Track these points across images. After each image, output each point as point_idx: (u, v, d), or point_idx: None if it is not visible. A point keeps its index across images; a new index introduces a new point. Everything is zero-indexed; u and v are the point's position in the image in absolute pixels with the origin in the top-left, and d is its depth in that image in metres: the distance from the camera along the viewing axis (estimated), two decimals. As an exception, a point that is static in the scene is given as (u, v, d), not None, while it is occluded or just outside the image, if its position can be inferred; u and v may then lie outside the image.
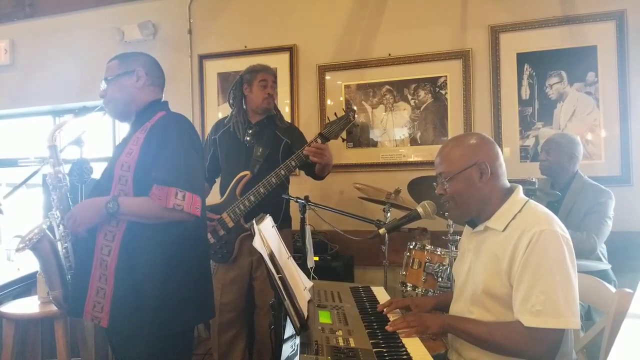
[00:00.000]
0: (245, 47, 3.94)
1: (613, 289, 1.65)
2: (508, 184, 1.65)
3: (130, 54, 1.99)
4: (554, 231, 1.45)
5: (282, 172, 2.64)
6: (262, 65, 2.87)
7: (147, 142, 1.78)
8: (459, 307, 1.69)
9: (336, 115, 2.72)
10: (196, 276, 1.88)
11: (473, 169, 1.59)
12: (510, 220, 1.56)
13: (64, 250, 1.87)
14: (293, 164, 2.64)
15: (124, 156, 1.80)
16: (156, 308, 1.75)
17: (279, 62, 3.85)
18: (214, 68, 4.04)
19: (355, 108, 2.86)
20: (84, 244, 1.84)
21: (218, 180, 2.96)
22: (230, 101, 2.91)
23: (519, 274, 1.46)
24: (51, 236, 1.88)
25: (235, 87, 2.89)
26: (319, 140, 2.63)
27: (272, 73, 2.86)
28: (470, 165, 1.59)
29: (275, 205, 2.72)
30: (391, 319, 1.68)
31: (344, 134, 2.70)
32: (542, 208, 1.57)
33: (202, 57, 4.06)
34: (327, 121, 2.72)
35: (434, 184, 1.70)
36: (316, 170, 2.73)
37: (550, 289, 1.40)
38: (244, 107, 2.87)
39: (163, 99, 2.01)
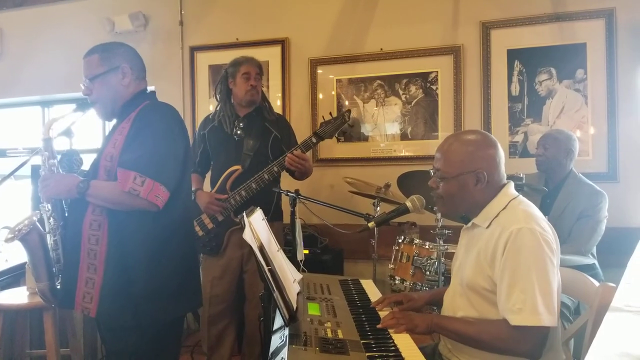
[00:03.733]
0: (237, 39, 3.92)
1: (596, 283, 1.68)
2: (504, 181, 1.64)
3: (109, 46, 1.91)
4: (531, 229, 1.46)
5: (275, 169, 2.65)
6: (245, 57, 2.84)
7: (129, 132, 1.77)
8: (448, 300, 1.73)
9: (331, 115, 2.74)
10: (183, 266, 1.88)
11: (470, 175, 1.58)
12: (494, 218, 1.57)
13: (52, 243, 1.86)
14: (275, 169, 2.65)
15: (110, 147, 1.80)
16: (143, 298, 1.75)
17: (271, 55, 3.85)
18: (205, 60, 4.03)
19: (350, 109, 2.88)
20: (71, 235, 1.84)
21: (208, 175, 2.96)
22: (217, 96, 2.90)
23: (500, 273, 1.48)
24: (41, 228, 1.87)
25: (221, 82, 2.87)
26: (305, 148, 2.66)
27: (255, 64, 2.82)
28: (468, 171, 1.58)
29: (266, 199, 2.73)
30: (381, 314, 1.70)
31: (339, 135, 2.73)
32: (525, 205, 1.58)
33: (194, 49, 4.04)
34: (322, 120, 2.73)
35: (430, 171, 1.71)
36: (295, 176, 2.78)
37: (529, 288, 1.41)
38: (232, 101, 2.86)
39: (154, 89, 1.99)
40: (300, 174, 2.74)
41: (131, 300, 1.75)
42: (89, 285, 1.77)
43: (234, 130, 2.80)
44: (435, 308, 1.91)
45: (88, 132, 4.37)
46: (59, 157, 1.89)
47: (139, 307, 1.75)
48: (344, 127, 2.71)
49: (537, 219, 1.51)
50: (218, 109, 2.88)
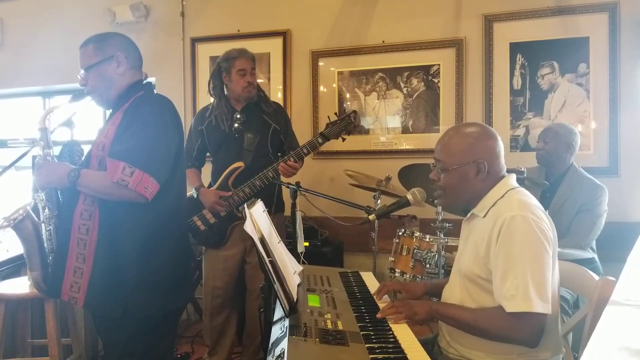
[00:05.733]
0: (238, 31, 3.90)
1: (596, 277, 1.68)
2: (504, 174, 1.65)
3: (103, 36, 1.90)
4: (525, 216, 1.47)
5: (271, 174, 2.66)
6: (238, 51, 2.79)
7: (122, 122, 1.77)
8: (447, 291, 1.74)
9: (337, 116, 2.73)
10: (174, 260, 1.87)
11: (470, 165, 1.59)
12: (491, 207, 1.58)
13: (47, 233, 1.86)
14: (270, 174, 2.66)
15: (102, 137, 1.80)
16: (133, 290, 1.75)
17: (272, 47, 3.83)
18: (206, 51, 4.01)
19: (356, 110, 2.88)
20: (61, 225, 1.84)
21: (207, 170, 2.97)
22: (211, 91, 2.86)
23: (494, 261, 1.49)
24: (34, 217, 1.88)
25: (214, 76, 2.83)
26: (311, 148, 2.69)
27: (249, 58, 2.78)
28: (469, 162, 1.59)
29: (268, 191, 2.74)
30: (380, 305, 1.70)
31: (344, 135, 2.72)
32: (522, 195, 1.58)
33: (195, 40, 4.02)
34: (328, 120, 2.73)
35: (431, 165, 1.71)
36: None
37: (522, 274, 1.42)
38: (226, 94, 2.84)
39: (150, 81, 1.98)
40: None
41: (121, 292, 1.75)
42: (77, 275, 1.78)
43: (233, 125, 2.78)
44: (434, 299, 1.92)
45: (90, 123, 4.36)
46: (54, 147, 1.89)
47: (130, 300, 1.75)
48: (349, 127, 2.70)
49: (531, 208, 1.52)
50: (214, 105, 2.85)
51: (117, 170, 1.67)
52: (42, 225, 1.86)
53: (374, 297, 1.82)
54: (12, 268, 2.80)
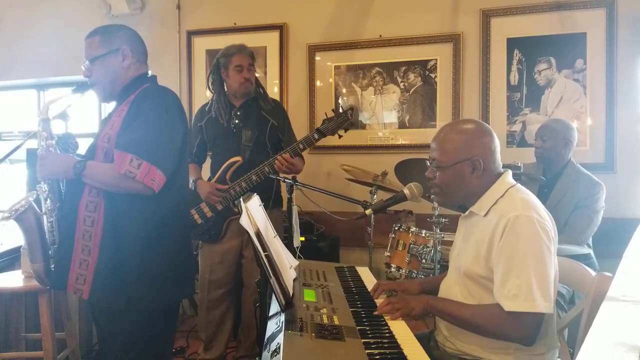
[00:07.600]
0: (235, 24, 3.88)
1: (593, 273, 1.68)
2: (501, 171, 1.65)
3: (110, 28, 1.90)
4: (529, 216, 1.46)
5: (267, 169, 2.64)
6: (236, 47, 2.78)
7: (128, 114, 1.76)
8: (445, 288, 1.73)
9: (334, 112, 2.72)
10: (178, 252, 1.87)
11: (465, 163, 1.58)
12: (492, 206, 1.57)
13: (48, 224, 1.85)
14: (266, 169, 2.63)
15: (107, 129, 1.79)
16: (137, 282, 1.75)
17: (269, 41, 3.81)
18: (202, 45, 3.99)
19: (353, 107, 2.87)
20: (66, 217, 1.83)
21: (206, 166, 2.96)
22: (210, 86, 2.86)
23: (496, 260, 1.48)
24: (37, 209, 1.86)
25: (213, 71, 2.83)
26: (307, 144, 2.66)
27: (247, 54, 2.77)
28: (464, 159, 1.58)
29: (266, 186, 2.73)
30: (377, 301, 1.70)
31: (340, 131, 2.70)
32: (523, 193, 1.57)
33: (191, 33, 4.00)
34: (325, 116, 2.71)
35: (427, 161, 1.71)
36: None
37: (525, 274, 1.42)
38: (225, 90, 2.84)
39: (151, 73, 1.97)
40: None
41: (125, 284, 1.74)
42: (82, 267, 1.77)
43: (231, 121, 2.78)
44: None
45: (84, 116, 4.34)
46: (56, 138, 1.87)
47: (133, 292, 1.74)
48: (346, 124, 2.69)
49: (535, 207, 1.51)
50: (213, 100, 2.85)
51: (124, 162, 1.67)
52: (44, 216, 1.85)
53: (372, 293, 1.81)
54: (6, 262, 2.78)
